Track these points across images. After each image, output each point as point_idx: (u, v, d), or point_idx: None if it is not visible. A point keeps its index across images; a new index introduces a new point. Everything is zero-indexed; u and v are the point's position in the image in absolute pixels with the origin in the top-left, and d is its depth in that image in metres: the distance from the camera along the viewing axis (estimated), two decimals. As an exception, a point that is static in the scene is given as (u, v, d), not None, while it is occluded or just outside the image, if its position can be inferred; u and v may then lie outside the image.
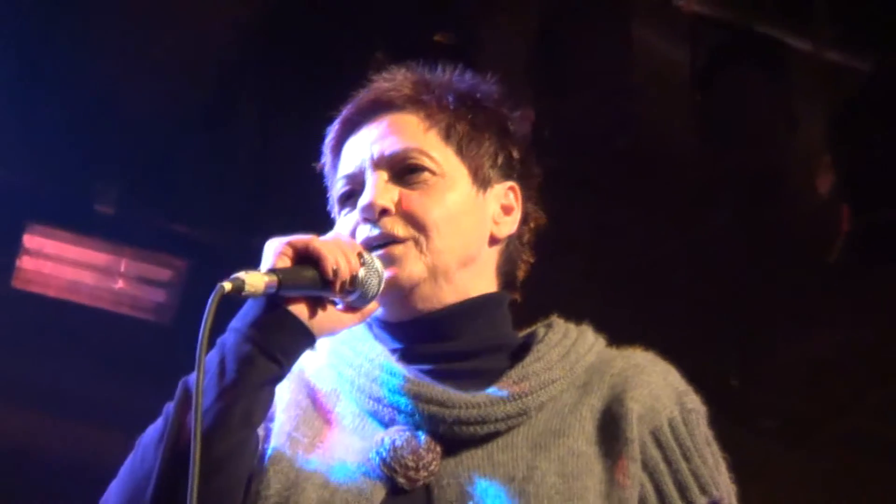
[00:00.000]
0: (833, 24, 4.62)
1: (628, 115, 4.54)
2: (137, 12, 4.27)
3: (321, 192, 2.29)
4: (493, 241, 2.21)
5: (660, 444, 2.08)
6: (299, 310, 2.00)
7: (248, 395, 1.97)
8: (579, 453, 2.05)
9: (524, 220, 2.25)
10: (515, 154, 2.25)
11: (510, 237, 2.23)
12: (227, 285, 1.91)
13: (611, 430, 2.07)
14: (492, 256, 2.22)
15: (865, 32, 4.61)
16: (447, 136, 2.19)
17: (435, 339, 2.15)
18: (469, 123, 2.21)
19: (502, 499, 1.99)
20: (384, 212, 2.13)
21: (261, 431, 2.05)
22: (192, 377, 1.92)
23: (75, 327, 4.80)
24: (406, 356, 2.13)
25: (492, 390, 2.08)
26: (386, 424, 2.07)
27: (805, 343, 5.04)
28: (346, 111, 2.25)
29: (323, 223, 2.22)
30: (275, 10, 4.37)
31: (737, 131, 4.63)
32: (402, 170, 2.16)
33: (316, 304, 2.01)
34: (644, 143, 4.56)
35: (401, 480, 2.02)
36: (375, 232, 2.12)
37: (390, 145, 2.17)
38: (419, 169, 2.16)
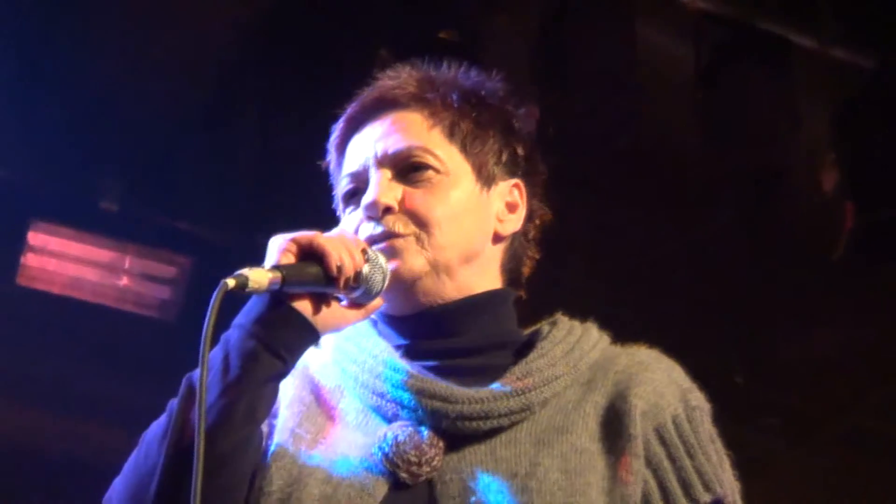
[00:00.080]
0: (837, 21, 4.61)
1: (631, 112, 4.53)
2: (140, 11, 4.27)
3: (325, 189, 2.30)
4: (498, 238, 2.22)
5: (663, 441, 2.08)
6: (303, 306, 2.00)
7: (251, 392, 1.97)
8: (582, 450, 2.05)
9: (529, 217, 2.25)
10: (520, 151, 2.25)
11: (515, 234, 2.23)
12: (231, 282, 1.91)
13: (614, 426, 2.08)
14: (496, 254, 2.22)
15: (870, 30, 4.60)
16: (451, 134, 2.19)
17: (438, 334, 2.15)
18: (473, 121, 2.21)
19: (505, 494, 1.99)
20: (387, 210, 2.13)
21: (264, 428, 2.05)
22: (196, 373, 1.92)
23: (79, 324, 4.81)
24: (410, 353, 2.13)
25: (495, 386, 2.09)
26: (389, 420, 2.08)
27: (807, 342, 5.04)
28: (350, 109, 2.25)
29: (327, 220, 2.22)
30: (276, 9, 4.37)
31: (740, 129, 4.63)
32: (406, 168, 2.17)
33: (320, 300, 2.02)
34: (647, 141, 4.56)
35: (403, 475, 2.03)
36: (379, 230, 2.13)
37: (394, 143, 2.18)
38: (423, 167, 2.17)
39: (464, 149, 2.19)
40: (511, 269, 2.24)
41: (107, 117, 4.36)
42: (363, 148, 2.20)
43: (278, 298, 1.99)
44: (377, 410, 2.09)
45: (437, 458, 2.03)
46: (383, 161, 2.17)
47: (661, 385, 2.12)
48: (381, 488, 2.02)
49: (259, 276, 1.94)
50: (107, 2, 4.31)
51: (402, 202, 2.14)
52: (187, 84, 4.42)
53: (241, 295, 1.95)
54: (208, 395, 1.92)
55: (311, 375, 2.17)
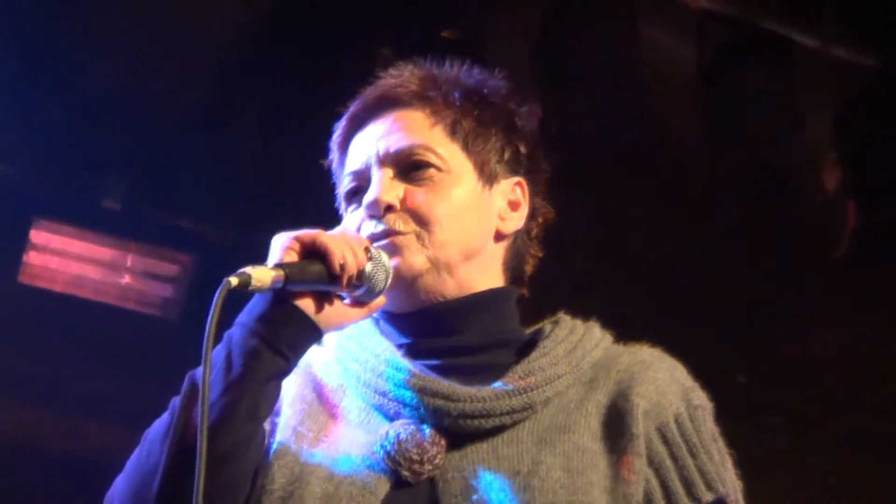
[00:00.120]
0: (839, 20, 4.61)
1: (633, 112, 4.53)
2: (142, 10, 4.27)
3: (327, 187, 2.30)
4: (500, 236, 2.22)
5: (666, 440, 2.08)
6: (306, 304, 2.00)
7: (254, 390, 1.97)
8: (584, 449, 2.05)
9: (531, 215, 2.25)
10: (522, 149, 2.26)
11: (517, 232, 2.24)
12: (234, 280, 1.91)
13: (616, 425, 2.08)
14: (498, 252, 2.22)
15: (871, 29, 4.60)
16: (453, 133, 2.20)
17: (440, 333, 2.15)
18: (475, 119, 2.21)
19: (507, 492, 1.99)
20: (389, 208, 2.14)
21: (266, 426, 2.05)
22: (199, 371, 1.93)
23: (81, 322, 4.81)
24: (412, 351, 2.13)
25: (497, 385, 2.09)
26: (391, 418, 2.08)
27: (808, 342, 5.04)
28: (352, 108, 2.25)
29: (329, 219, 2.22)
30: (278, 9, 4.37)
31: (742, 128, 4.63)
32: (408, 166, 2.17)
33: (323, 298, 2.02)
34: (648, 140, 4.56)
35: (405, 473, 2.03)
36: (380, 228, 2.13)
37: (396, 142, 2.18)
38: (424, 165, 2.17)
39: (465, 147, 2.20)
40: (513, 268, 2.24)
41: (109, 116, 4.35)
42: (365, 146, 2.20)
43: (281, 296, 1.99)
44: (379, 409, 2.10)
45: (438, 456, 2.04)
46: (385, 159, 2.18)
47: (664, 384, 2.12)
48: (383, 486, 2.02)
49: (262, 275, 1.94)
50: (109, 1, 4.31)
51: (403, 200, 2.14)
52: (189, 83, 4.42)
53: (244, 293, 1.95)
54: (211, 392, 1.92)
55: (314, 374, 2.17)
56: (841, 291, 4.84)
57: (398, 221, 2.13)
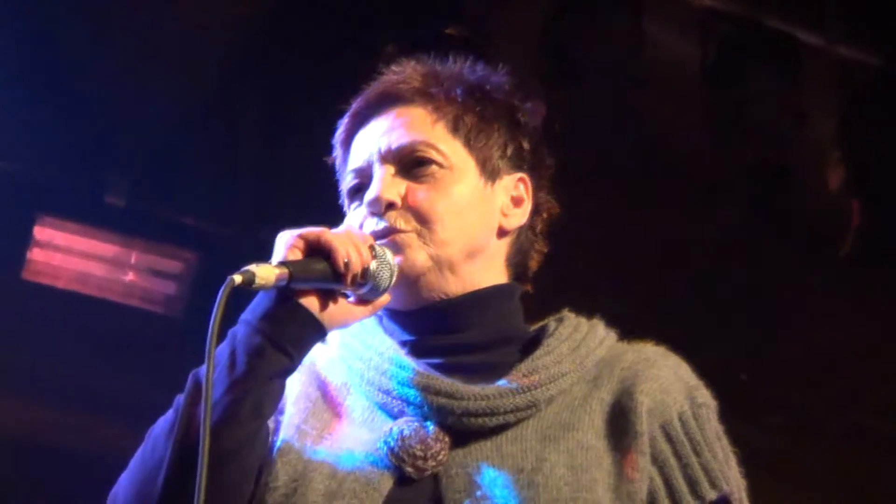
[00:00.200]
0: (843, 18, 4.61)
1: (637, 109, 4.53)
2: (146, 6, 4.27)
3: (331, 184, 2.30)
4: (502, 232, 2.21)
5: (670, 438, 2.08)
6: (310, 302, 2.00)
7: (258, 388, 1.97)
8: (588, 446, 2.05)
9: (536, 211, 2.25)
10: (525, 145, 2.25)
11: (520, 228, 2.23)
12: (238, 278, 1.91)
13: (620, 423, 2.07)
14: (501, 248, 2.22)
15: (875, 27, 4.60)
16: (455, 129, 2.19)
17: (443, 330, 2.15)
18: (477, 115, 2.21)
19: (510, 489, 1.99)
20: (390, 205, 2.14)
21: (270, 424, 2.05)
22: (203, 369, 1.92)
23: (85, 319, 4.80)
24: (416, 349, 2.13)
25: (501, 383, 2.08)
26: (395, 416, 2.08)
27: (811, 339, 5.03)
28: (355, 105, 2.25)
29: (334, 215, 2.22)
30: (282, 5, 4.37)
31: (745, 126, 4.62)
32: (410, 163, 2.17)
33: (327, 296, 2.02)
34: (652, 138, 4.56)
35: (408, 470, 2.03)
36: (381, 225, 2.13)
37: (397, 138, 2.18)
38: (426, 162, 2.16)
39: (468, 143, 2.19)
40: (517, 264, 2.24)
41: (112, 112, 4.35)
42: (367, 143, 2.20)
43: (285, 294, 1.99)
44: (383, 407, 2.10)
45: (442, 452, 2.03)
46: (387, 156, 2.17)
47: (668, 382, 2.12)
48: (387, 483, 2.02)
49: (266, 272, 1.94)
50: (112, -2, 4.32)
51: (404, 198, 2.14)
52: (193, 79, 4.42)
53: (248, 290, 1.95)
54: (214, 391, 1.92)
55: (318, 372, 2.17)
56: (844, 290, 4.84)
57: (399, 219, 2.13)
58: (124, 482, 2.01)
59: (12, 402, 4.95)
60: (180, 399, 1.99)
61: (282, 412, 2.10)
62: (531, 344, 2.17)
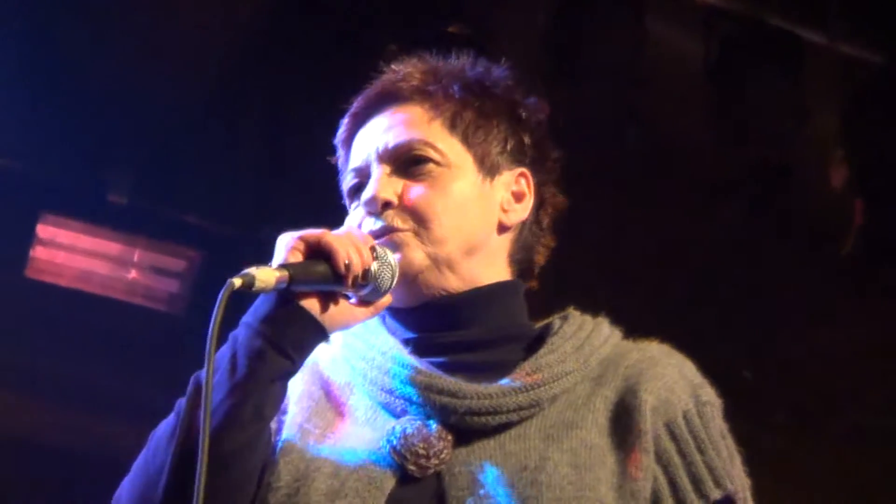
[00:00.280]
0: (845, 16, 4.60)
1: (639, 108, 4.53)
2: (147, 4, 4.27)
3: (333, 182, 2.30)
4: (503, 228, 2.21)
5: (674, 437, 2.08)
6: (311, 304, 2.00)
7: (259, 390, 1.97)
8: (592, 445, 2.04)
9: (540, 206, 2.24)
10: (527, 140, 2.24)
11: (523, 224, 2.22)
12: (237, 281, 1.91)
13: (624, 421, 2.07)
14: (502, 244, 2.21)
15: (877, 25, 4.60)
16: (452, 126, 2.19)
17: (445, 327, 2.15)
18: (476, 111, 2.20)
19: (513, 488, 1.99)
20: (387, 205, 2.14)
21: (273, 424, 2.05)
22: (204, 373, 1.92)
23: (88, 317, 4.81)
24: (418, 347, 2.13)
25: (504, 382, 2.08)
26: (398, 415, 2.08)
27: (814, 338, 5.03)
28: (355, 104, 2.25)
29: (336, 214, 2.23)
30: (284, 4, 4.37)
31: (748, 124, 4.62)
32: (407, 162, 2.17)
33: (328, 298, 2.02)
34: (654, 136, 4.56)
35: (411, 468, 2.03)
36: (379, 225, 2.13)
37: (394, 137, 2.18)
38: (423, 160, 2.16)
39: (465, 140, 2.19)
40: (520, 260, 2.23)
41: (115, 110, 4.35)
42: (366, 143, 2.21)
43: (286, 297, 1.99)
44: (386, 407, 2.09)
45: (445, 450, 2.03)
46: (384, 155, 2.18)
47: (672, 380, 2.11)
48: (389, 481, 2.02)
49: (266, 275, 1.94)
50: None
51: (401, 197, 2.14)
52: (196, 77, 4.42)
53: (250, 293, 1.95)
54: (216, 394, 1.93)
55: (321, 372, 2.17)
56: (846, 289, 4.83)
57: (396, 218, 2.13)
58: (127, 486, 2.01)
59: (14, 400, 4.95)
60: (182, 403, 1.99)
61: (284, 412, 2.10)
62: (535, 342, 2.16)
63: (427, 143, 2.17)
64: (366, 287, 2.04)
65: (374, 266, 2.03)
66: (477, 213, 2.17)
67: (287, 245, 2.00)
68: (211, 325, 1.87)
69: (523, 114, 2.25)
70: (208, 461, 1.84)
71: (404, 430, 2.05)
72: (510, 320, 2.19)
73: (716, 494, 2.07)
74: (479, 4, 4.44)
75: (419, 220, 2.13)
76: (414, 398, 2.07)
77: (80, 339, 4.80)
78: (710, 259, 4.86)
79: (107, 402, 4.88)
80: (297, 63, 4.34)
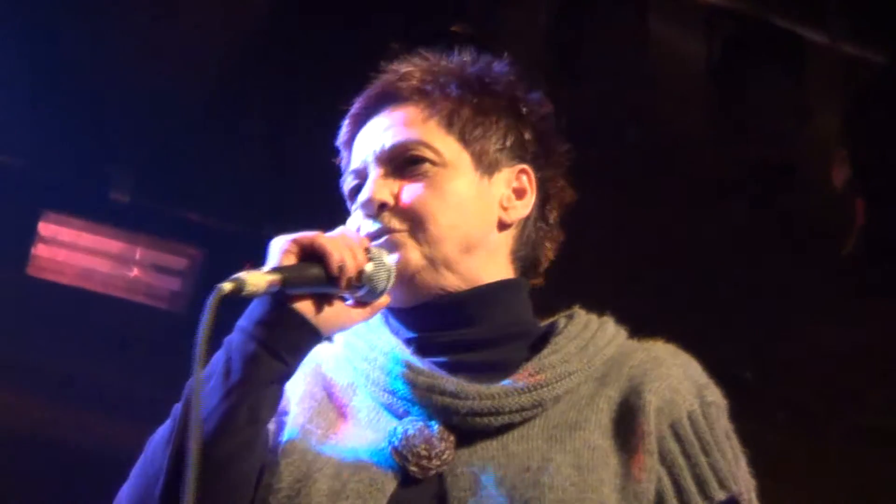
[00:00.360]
0: (846, 16, 4.60)
1: (641, 107, 4.53)
2: (149, 2, 4.27)
3: (335, 181, 2.30)
4: (503, 225, 2.19)
5: (678, 438, 2.06)
6: (305, 307, 1.99)
7: (254, 394, 1.97)
8: (595, 446, 2.03)
9: (544, 201, 2.23)
10: (528, 135, 2.22)
11: (525, 220, 2.21)
12: (227, 286, 1.90)
13: (627, 422, 2.06)
14: (503, 241, 2.20)
15: (879, 25, 4.59)
16: (449, 124, 2.18)
17: (446, 326, 2.13)
18: (473, 108, 2.19)
19: (516, 489, 1.98)
20: (383, 206, 2.13)
21: (273, 425, 2.05)
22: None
23: (89, 315, 4.81)
24: (420, 347, 2.12)
25: (507, 382, 2.07)
26: (400, 417, 2.07)
27: (814, 338, 5.03)
28: (355, 106, 2.25)
29: (338, 213, 2.23)
30: (286, 3, 4.37)
31: (750, 124, 4.62)
32: (403, 162, 2.16)
33: (323, 300, 2.01)
34: (657, 135, 4.56)
35: (413, 469, 2.02)
36: (375, 226, 2.12)
37: (391, 138, 2.17)
38: (419, 160, 2.15)
39: (462, 138, 2.17)
40: (524, 257, 2.22)
41: (117, 108, 4.36)
42: (365, 144, 2.20)
43: (279, 300, 1.98)
44: (388, 408, 2.09)
45: (447, 451, 2.02)
46: (381, 157, 2.17)
47: (677, 381, 2.10)
48: (391, 483, 2.01)
49: (256, 280, 1.93)
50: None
51: (397, 198, 2.14)
52: (198, 75, 4.43)
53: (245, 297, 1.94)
54: (211, 398, 1.93)
55: (323, 373, 2.16)
56: (848, 288, 4.83)
57: (393, 219, 2.12)
58: (126, 491, 2.01)
59: (16, 398, 4.95)
60: (178, 408, 1.99)
61: (286, 413, 2.09)
62: (540, 340, 2.15)
63: (423, 143, 2.16)
64: (361, 288, 2.03)
65: (368, 267, 2.02)
66: (475, 212, 2.16)
67: (280, 248, 2.00)
68: (199, 331, 1.86)
69: (524, 109, 2.24)
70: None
71: (406, 430, 2.04)
72: (513, 318, 2.18)
73: (720, 496, 2.05)
74: (481, 4, 4.43)
75: (415, 220, 2.12)
76: (415, 399, 2.06)
77: (81, 337, 4.81)
78: (711, 258, 4.86)
79: (108, 400, 4.88)
80: (300, 62, 4.34)
